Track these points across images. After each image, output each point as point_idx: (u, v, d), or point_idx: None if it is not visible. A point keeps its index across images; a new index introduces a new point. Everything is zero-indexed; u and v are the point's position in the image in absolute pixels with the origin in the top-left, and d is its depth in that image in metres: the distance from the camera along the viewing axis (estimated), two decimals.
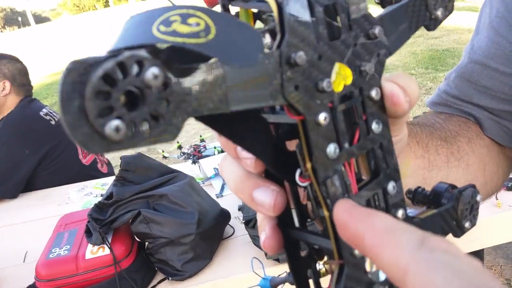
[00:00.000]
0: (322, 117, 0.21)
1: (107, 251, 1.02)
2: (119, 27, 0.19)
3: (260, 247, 1.08)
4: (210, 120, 0.21)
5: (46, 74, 9.43)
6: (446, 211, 0.26)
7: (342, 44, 0.22)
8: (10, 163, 1.77)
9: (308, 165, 0.22)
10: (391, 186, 0.25)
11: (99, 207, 1.08)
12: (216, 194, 1.49)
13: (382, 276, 0.23)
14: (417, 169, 0.44)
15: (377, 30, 0.24)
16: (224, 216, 1.21)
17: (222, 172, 0.28)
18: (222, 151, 1.80)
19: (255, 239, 1.09)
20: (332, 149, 0.22)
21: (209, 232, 1.10)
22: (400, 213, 0.25)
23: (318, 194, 0.22)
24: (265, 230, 0.26)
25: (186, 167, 1.76)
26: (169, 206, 1.08)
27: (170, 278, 1.06)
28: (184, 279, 1.05)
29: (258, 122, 0.23)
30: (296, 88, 0.21)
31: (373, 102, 0.24)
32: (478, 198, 0.28)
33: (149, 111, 0.16)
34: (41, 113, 1.89)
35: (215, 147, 1.81)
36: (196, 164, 1.72)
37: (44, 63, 11.15)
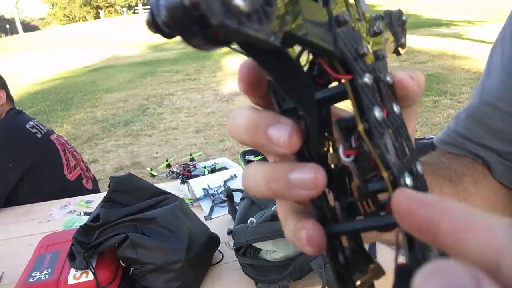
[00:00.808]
0: (367, 78, 0.22)
1: (90, 276, 0.98)
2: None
3: (250, 276, 1.04)
4: (275, 66, 0.21)
5: (30, 82, 9.31)
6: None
7: (361, 26, 0.25)
8: None
9: (360, 127, 0.22)
10: (419, 167, 0.24)
11: (84, 230, 1.03)
12: (204, 216, 1.45)
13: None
14: None
15: (381, 25, 0.26)
16: (213, 241, 1.17)
17: (230, 121, 0.26)
18: (212, 171, 1.77)
19: (245, 267, 1.06)
20: (377, 111, 0.22)
21: (198, 259, 1.06)
22: None
23: (374, 155, 0.22)
24: (305, 226, 0.24)
25: (174, 187, 1.72)
26: (158, 230, 1.04)
27: None
28: None
29: (309, 84, 0.23)
30: (345, 45, 0.22)
31: (388, 87, 0.25)
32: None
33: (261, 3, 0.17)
34: (28, 126, 1.84)
35: (205, 167, 1.78)
36: (185, 184, 1.68)
37: (29, 72, 11.03)
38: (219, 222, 1.43)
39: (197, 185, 1.63)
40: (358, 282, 0.24)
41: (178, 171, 1.73)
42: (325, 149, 0.25)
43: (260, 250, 1.05)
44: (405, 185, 0.21)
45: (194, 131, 5.39)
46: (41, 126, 1.92)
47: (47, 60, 13.05)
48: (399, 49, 0.30)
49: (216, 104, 6.57)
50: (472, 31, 10.76)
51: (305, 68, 0.24)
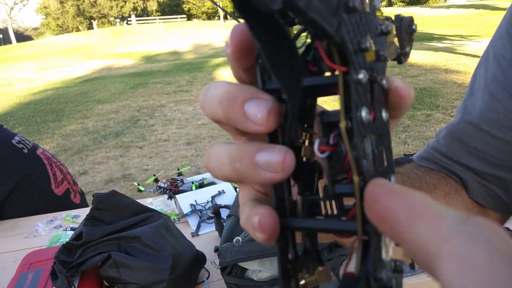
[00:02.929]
0: (362, 75, 0.20)
1: None
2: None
3: None
4: (266, 36, 0.20)
5: (22, 93, 9.26)
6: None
7: (369, 24, 0.22)
8: None
9: (343, 124, 0.20)
10: (393, 178, 0.24)
11: (67, 248, 1.01)
12: (191, 233, 1.44)
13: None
14: None
15: (389, 26, 0.24)
16: (199, 260, 1.16)
17: (204, 94, 0.24)
18: (200, 186, 1.76)
19: (231, 287, 1.05)
20: (365, 113, 0.21)
21: (183, 278, 1.05)
22: None
23: (350, 156, 0.20)
24: (259, 211, 0.22)
25: (161, 202, 1.71)
26: (142, 249, 1.03)
27: None
28: None
29: (298, 65, 0.22)
30: (348, 34, 0.20)
31: (382, 91, 0.23)
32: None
33: None
34: (13, 141, 1.81)
35: (192, 182, 1.77)
36: (172, 199, 1.67)
37: (21, 82, 10.98)
38: (206, 238, 1.42)
39: (184, 200, 1.62)
40: (302, 281, 0.24)
41: (165, 186, 1.72)
42: (301, 140, 0.24)
43: (246, 269, 1.05)
44: None
45: (185, 143, 5.38)
46: (26, 141, 1.89)
47: (39, 71, 13.01)
48: (402, 57, 0.29)
49: None
50: (465, 46, 10.92)
51: (300, 51, 0.23)
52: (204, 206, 1.59)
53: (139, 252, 1.02)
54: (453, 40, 12.22)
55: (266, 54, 0.21)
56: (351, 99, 0.20)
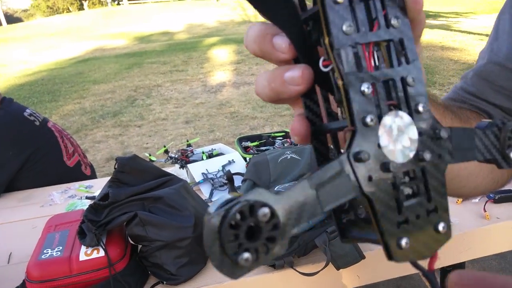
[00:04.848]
0: None
1: (101, 253, 1.01)
2: None
3: None
4: None
5: (17, 74, 9.19)
6: (484, 134, 0.27)
7: None
8: None
9: (326, 40, 0.24)
10: (410, 78, 0.26)
11: (94, 208, 1.06)
12: (205, 200, 1.48)
13: (401, 158, 0.24)
14: None
15: None
16: None
17: (246, 35, 0.30)
18: (209, 157, 1.80)
19: None
20: (346, 25, 0.24)
21: None
22: (421, 107, 0.26)
23: (333, 63, 0.24)
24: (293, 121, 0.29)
25: (173, 172, 1.75)
26: (165, 209, 1.07)
27: (164, 282, 1.05)
28: (179, 283, 1.04)
29: (290, 5, 0.26)
30: None
31: (392, 1, 0.26)
32: None
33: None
34: (25, 114, 1.84)
35: (203, 152, 1.81)
36: (184, 168, 1.71)
37: (15, 63, 10.86)
38: None
39: (196, 169, 1.67)
40: None
41: (176, 156, 1.75)
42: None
43: None
44: (359, 91, 0.24)
45: (183, 121, 5.40)
46: (37, 114, 1.92)
47: (32, 52, 12.85)
48: None
49: (205, 95, 6.57)
50: (460, 23, 10.91)
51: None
52: (216, 175, 1.63)
53: (162, 212, 1.07)
54: (448, 17, 12.21)
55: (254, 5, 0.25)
56: (328, 18, 0.24)
